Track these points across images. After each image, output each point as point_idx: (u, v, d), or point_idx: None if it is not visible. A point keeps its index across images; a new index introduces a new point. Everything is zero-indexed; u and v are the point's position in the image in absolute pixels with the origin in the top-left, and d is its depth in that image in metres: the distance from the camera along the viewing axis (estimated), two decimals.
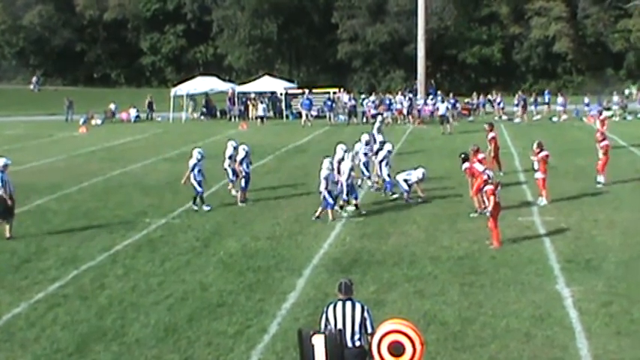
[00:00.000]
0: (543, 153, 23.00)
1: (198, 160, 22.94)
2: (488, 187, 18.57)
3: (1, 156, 21.14)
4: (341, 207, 21.92)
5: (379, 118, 38.34)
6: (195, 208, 22.81)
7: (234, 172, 24.47)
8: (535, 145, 23.32)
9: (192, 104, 59.21)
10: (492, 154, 27.74)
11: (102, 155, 37.35)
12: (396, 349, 8.82)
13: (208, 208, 22.84)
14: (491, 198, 18.20)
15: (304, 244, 18.79)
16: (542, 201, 22.66)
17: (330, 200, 20.82)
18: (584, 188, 24.80)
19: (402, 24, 74.72)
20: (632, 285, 14.96)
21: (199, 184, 22.76)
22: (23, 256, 18.33)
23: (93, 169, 31.81)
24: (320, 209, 21.18)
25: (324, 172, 20.98)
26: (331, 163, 21.50)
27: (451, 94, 55.69)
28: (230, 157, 24.74)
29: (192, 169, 22.84)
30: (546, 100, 53.57)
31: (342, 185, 21.80)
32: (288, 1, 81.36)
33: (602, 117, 36.03)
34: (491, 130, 28.21)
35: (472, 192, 21.52)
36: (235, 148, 24.80)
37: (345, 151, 23.16)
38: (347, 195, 21.94)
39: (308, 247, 18.48)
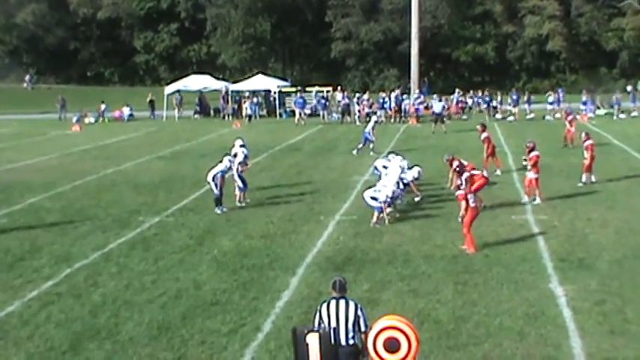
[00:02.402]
0: (534, 153, 22.97)
1: (228, 168, 22.77)
2: (459, 193, 18.58)
3: None
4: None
5: (374, 117, 38.29)
6: (218, 211, 22.42)
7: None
8: (525, 145, 23.49)
9: (178, 100, 58.54)
10: (487, 154, 27.78)
11: (95, 153, 37.30)
12: (392, 345, 8.83)
13: (222, 210, 22.53)
14: (463, 203, 18.20)
15: (298, 243, 18.79)
16: (537, 200, 22.69)
17: (377, 204, 20.51)
18: (577, 187, 24.84)
19: (396, 22, 74.83)
20: (625, 284, 14.99)
21: (216, 186, 22.43)
22: (17, 255, 18.30)
23: (86, 168, 31.77)
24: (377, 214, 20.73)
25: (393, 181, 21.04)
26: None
27: (457, 90, 56.24)
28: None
29: (222, 174, 22.52)
30: (561, 98, 53.22)
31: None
32: (281, 0, 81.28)
33: (569, 118, 36.09)
34: (483, 131, 28.19)
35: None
36: (242, 146, 24.76)
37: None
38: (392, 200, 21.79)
39: (302, 246, 18.48)
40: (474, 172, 21.09)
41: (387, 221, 20.37)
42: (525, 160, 23.42)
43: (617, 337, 12.45)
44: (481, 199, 20.43)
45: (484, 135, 27.96)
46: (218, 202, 22.54)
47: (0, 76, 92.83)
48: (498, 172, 27.54)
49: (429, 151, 33.94)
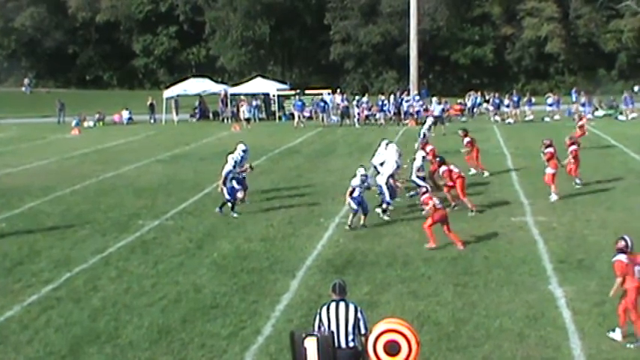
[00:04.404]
0: (549, 150, 23.59)
1: (233, 167, 22.69)
2: (425, 196, 18.86)
3: None
4: (384, 210, 21.61)
5: (429, 119, 37.41)
6: (220, 213, 22.23)
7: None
8: (542, 142, 24.47)
9: (176, 105, 58.60)
10: (475, 156, 27.85)
11: (94, 157, 37.28)
12: (392, 348, 8.84)
13: (236, 215, 22.33)
14: (430, 203, 18.43)
15: (298, 246, 18.79)
16: (553, 196, 23.00)
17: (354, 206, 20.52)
18: (576, 188, 24.83)
19: (395, 25, 74.79)
20: None
21: (230, 191, 22.34)
22: (16, 259, 18.29)
23: (86, 172, 31.75)
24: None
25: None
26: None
27: (474, 92, 56.50)
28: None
29: (227, 176, 22.36)
30: (574, 99, 53.01)
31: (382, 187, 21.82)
32: (280, 3, 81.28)
33: (581, 122, 35.99)
34: (465, 136, 28.29)
35: (460, 194, 22.00)
36: (245, 150, 24.93)
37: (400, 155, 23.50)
38: (390, 198, 21.89)
39: (301, 249, 18.48)
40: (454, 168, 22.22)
41: (385, 217, 20.49)
42: (543, 155, 24.10)
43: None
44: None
45: (467, 140, 28.03)
46: (232, 206, 22.33)
47: None
48: (485, 174, 27.50)
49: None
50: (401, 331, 8.89)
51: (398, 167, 22.71)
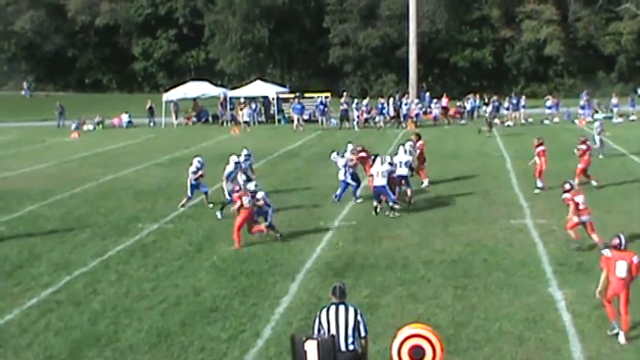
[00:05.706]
0: (582, 147, 25.91)
1: (234, 169, 22.79)
2: (236, 195, 19.73)
3: None
4: (392, 208, 21.98)
5: (597, 122, 36.65)
6: (220, 216, 22.34)
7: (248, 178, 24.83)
8: (578, 138, 27.17)
9: (175, 108, 58.59)
10: (420, 162, 27.48)
11: (94, 161, 37.29)
12: (417, 352, 8.86)
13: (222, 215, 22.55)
14: (237, 202, 19.28)
15: (297, 249, 18.80)
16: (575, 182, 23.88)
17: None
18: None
19: (394, 28, 74.73)
20: None
21: (230, 193, 22.38)
22: (15, 262, 18.31)
23: (85, 175, 31.76)
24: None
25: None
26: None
27: (473, 94, 56.39)
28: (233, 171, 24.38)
29: (228, 177, 22.60)
30: (583, 103, 52.78)
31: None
32: (279, 6, 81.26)
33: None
34: (418, 140, 27.69)
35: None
36: (249, 155, 25.91)
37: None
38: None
39: (301, 252, 18.49)
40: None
41: (391, 215, 21.10)
42: (577, 150, 26.29)
43: (616, 340, 12.46)
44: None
45: (419, 143, 27.47)
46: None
47: None
48: (426, 183, 27.13)
49: (427, 156, 33.83)
50: (426, 335, 8.92)
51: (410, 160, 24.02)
